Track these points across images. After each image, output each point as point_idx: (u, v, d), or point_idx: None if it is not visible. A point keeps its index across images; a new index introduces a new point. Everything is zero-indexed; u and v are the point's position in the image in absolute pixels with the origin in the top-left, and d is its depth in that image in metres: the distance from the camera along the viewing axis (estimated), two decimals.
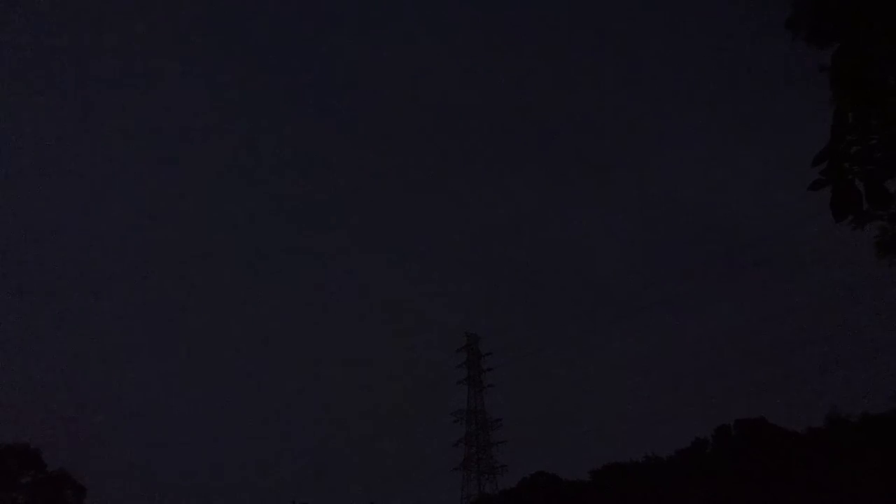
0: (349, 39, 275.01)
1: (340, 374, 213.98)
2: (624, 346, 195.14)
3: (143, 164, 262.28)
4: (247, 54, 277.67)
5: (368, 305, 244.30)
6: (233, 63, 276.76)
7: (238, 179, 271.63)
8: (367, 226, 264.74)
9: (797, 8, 7.72)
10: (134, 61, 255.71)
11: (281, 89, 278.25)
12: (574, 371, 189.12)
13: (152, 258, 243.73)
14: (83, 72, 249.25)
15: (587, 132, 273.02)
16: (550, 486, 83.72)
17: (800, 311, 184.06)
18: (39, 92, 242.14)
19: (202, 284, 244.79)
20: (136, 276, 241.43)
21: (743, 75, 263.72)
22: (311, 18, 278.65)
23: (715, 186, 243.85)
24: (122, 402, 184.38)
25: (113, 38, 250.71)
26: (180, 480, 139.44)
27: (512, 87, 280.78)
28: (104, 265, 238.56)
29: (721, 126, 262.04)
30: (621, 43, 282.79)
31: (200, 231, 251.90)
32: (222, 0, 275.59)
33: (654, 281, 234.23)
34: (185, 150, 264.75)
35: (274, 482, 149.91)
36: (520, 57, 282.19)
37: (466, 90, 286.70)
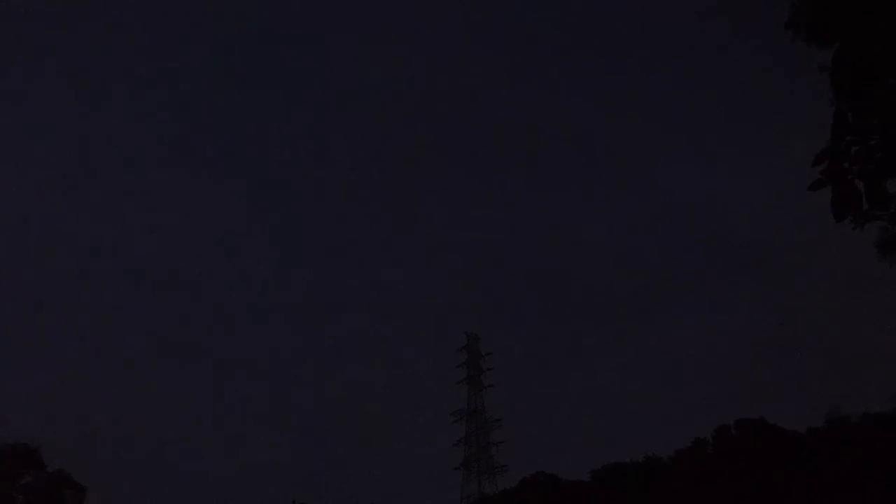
0: (349, 47, 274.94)
1: (340, 373, 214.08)
2: (624, 347, 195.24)
3: (143, 166, 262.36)
4: (242, 58, 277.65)
5: (368, 305, 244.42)
6: (225, 66, 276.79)
7: (238, 179, 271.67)
8: (368, 226, 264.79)
9: (797, 9, 7.72)
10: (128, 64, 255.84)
11: (281, 91, 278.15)
12: (574, 371, 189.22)
13: (152, 259, 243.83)
14: (74, 72, 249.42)
15: (586, 135, 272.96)
16: (550, 486, 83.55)
17: (800, 311, 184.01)
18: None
19: (202, 285, 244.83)
20: (136, 277, 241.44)
21: (742, 76, 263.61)
22: (309, 22, 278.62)
23: (714, 188, 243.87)
24: (122, 402, 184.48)
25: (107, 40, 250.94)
26: (180, 480, 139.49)
27: (514, 93, 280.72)
28: (104, 266, 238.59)
29: (720, 127, 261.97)
30: (619, 45, 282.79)
31: (200, 232, 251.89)
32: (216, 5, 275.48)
33: (654, 282, 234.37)
34: (186, 152, 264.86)
35: (274, 482, 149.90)
36: (520, 64, 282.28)
37: (470, 97, 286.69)
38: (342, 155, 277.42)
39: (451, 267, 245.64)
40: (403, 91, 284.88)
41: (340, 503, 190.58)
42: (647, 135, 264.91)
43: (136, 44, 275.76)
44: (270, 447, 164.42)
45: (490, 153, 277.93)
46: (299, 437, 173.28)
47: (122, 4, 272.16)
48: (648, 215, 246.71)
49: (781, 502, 59.68)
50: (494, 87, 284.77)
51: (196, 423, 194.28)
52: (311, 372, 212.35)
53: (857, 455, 56.65)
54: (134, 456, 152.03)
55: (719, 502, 63.00)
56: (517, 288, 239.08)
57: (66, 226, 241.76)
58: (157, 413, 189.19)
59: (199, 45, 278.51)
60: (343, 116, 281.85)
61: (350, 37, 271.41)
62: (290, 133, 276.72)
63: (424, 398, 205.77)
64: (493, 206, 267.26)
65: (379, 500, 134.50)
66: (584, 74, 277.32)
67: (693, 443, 77.17)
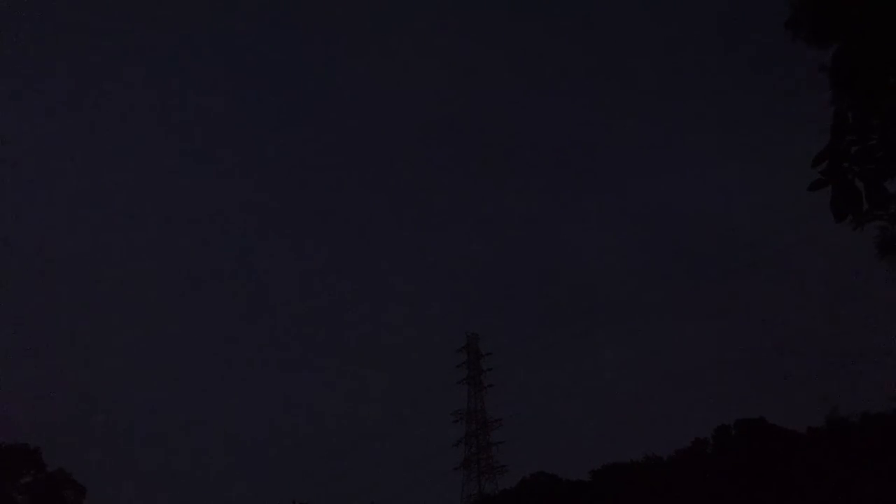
0: (349, 48, 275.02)
1: (340, 373, 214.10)
2: (624, 347, 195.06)
3: (144, 168, 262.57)
4: (243, 64, 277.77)
5: (367, 305, 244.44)
6: (224, 72, 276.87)
7: (242, 183, 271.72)
8: (366, 226, 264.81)
9: (797, 8, 7.70)
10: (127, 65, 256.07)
11: (280, 90, 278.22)
12: (574, 371, 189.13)
13: (152, 258, 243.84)
14: (76, 76, 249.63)
15: (586, 136, 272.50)
16: (550, 486, 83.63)
17: (799, 311, 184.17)
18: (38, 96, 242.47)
19: (202, 285, 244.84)
20: (136, 276, 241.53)
21: (741, 75, 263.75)
22: (311, 21, 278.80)
23: (713, 188, 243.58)
24: (123, 402, 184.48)
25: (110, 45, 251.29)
26: (180, 480, 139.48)
27: (512, 95, 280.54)
28: (103, 266, 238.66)
29: (720, 127, 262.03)
30: (615, 45, 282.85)
31: (200, 233, 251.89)
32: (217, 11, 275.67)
33: (654, 281, 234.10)
34: (188, 151, 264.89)
35: (274, 481, 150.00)
36: (518, 64, 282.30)
37: (468, 99, 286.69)
38: (339, 156, 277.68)
39: (451, 267, 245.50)
40: (399, 91, 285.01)
41: (340, 503, 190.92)
42: (647, 135, 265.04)
43: (137, 44, 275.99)
44: (270, 447, 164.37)
45: (490, 153, 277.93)
46: (299, 437, 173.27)
47: (124, 3, 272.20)
48: (648, 216, 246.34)
49: (781, 502, 59.70)
50: (493, 88, 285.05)
51: (196, 422, 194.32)
52: (310, 372, 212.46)
53: (857, 455, 56.63)
54: (134, 456, 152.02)
55: (719, 502, 63.01)
56: (517, 288, 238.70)
57: (65, 226, 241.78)
58: (157, 412, 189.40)
59: (201, 43, 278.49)
60: (341, 117, 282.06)
61: (350, 36, 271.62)
62: (287, 133, 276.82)
63: (424, 398, 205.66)
64: (492, 206, 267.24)
65: (379, 500, 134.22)
66: (583, 75, 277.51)
67: (693, 443, 77.19)
